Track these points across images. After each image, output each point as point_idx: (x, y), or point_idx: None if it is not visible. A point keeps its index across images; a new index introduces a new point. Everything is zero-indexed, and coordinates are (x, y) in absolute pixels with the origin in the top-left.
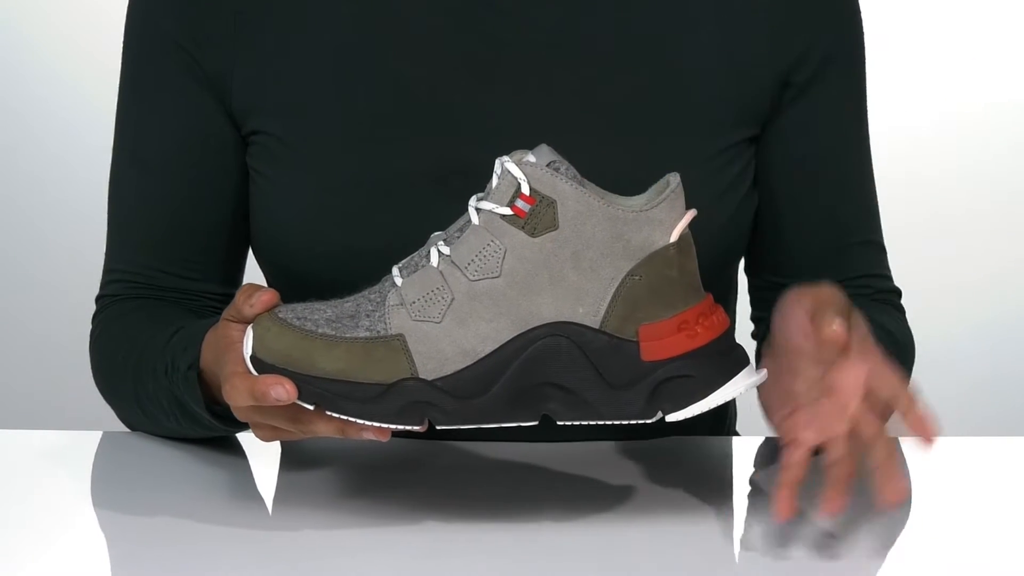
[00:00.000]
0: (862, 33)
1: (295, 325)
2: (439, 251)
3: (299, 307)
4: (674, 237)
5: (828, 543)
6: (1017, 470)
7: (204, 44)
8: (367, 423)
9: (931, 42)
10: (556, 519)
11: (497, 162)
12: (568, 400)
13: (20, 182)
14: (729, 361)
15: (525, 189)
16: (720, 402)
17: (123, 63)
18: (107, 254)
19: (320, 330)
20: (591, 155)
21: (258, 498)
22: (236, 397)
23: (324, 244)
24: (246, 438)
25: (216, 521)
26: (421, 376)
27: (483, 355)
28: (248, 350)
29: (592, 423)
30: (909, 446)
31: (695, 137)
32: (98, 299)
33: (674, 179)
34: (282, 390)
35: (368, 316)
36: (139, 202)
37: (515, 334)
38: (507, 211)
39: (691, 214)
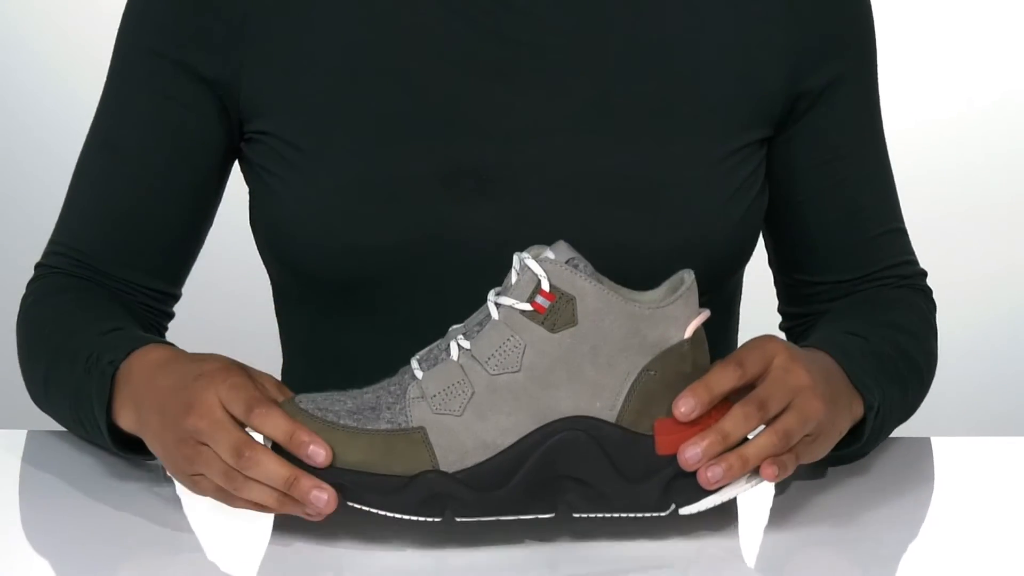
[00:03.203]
0: (873, 29)
1: (316, 416)
2: (459, 345)
3: (319, 397)
4: (688, 333)
5: (829, 543)
6: (1017, 470)
7: (204, 47)
8: (388, 515)
9: (931, 42)
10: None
11: (516, 257)
12: (584, 492)
13: (20, 182)
14: None
15: (545, 286)
16: (732, 496)
17: (115, 54)
18: (57, 225)
19: (341, 421)
20: (603, 156)
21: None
22: (270, 426)
23: (333, 243)
24: None
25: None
26: (442, 468)
27: (503, 448)
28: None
29: (607, 515)
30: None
31: (708, 138)
32: (37, 266)
33: (688, 276)
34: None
35: (389, 408)
36: (102, 184)
37: (534, 427)
38: (527, 307)
39: (704, 314)
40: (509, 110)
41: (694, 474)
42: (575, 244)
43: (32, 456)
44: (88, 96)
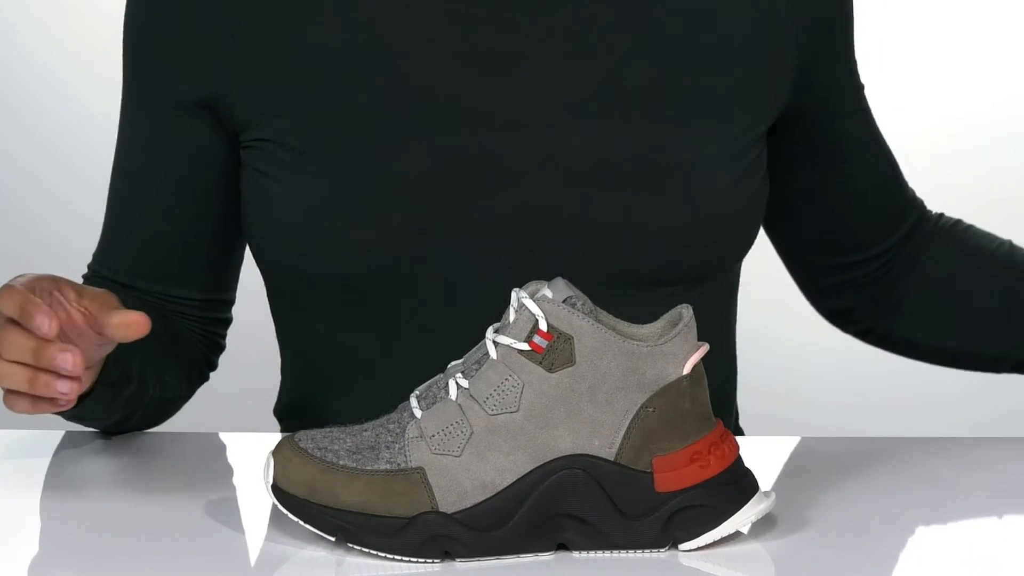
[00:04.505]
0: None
1: (316, 456)
2: (458, 384)
3: (318, 435)
4: (687, 369)
5: (829, 543)
6: (1017, 470)
7: (195, 74)
8: (388, 556)
9: (935, 44)
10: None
11: (513, 295)
12: (584, 530)
13: (21, 182)
14: (740, 489)
15: (543, 325)
16: (733, 530)
17: (124, 72)
18: (95, 254)
19: (341, 461)
20: (608, 142)
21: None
22: (5, 302)
23: (336, 244)
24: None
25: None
26: (441, 509)
27: (501, 488)
28: (269, 479)
29: (607, 552)
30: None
31: (714, 122)
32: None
33: (687, 312)
34: (47, 324)
35: (388, 448)
36: (122, 208)
37: (532, 467)
38: (525, 347)
39: (704, 348)
40: (512, 99)
41: (693, 510)
42: (581, 230)
43: (67, 455)
44: (88, 96)
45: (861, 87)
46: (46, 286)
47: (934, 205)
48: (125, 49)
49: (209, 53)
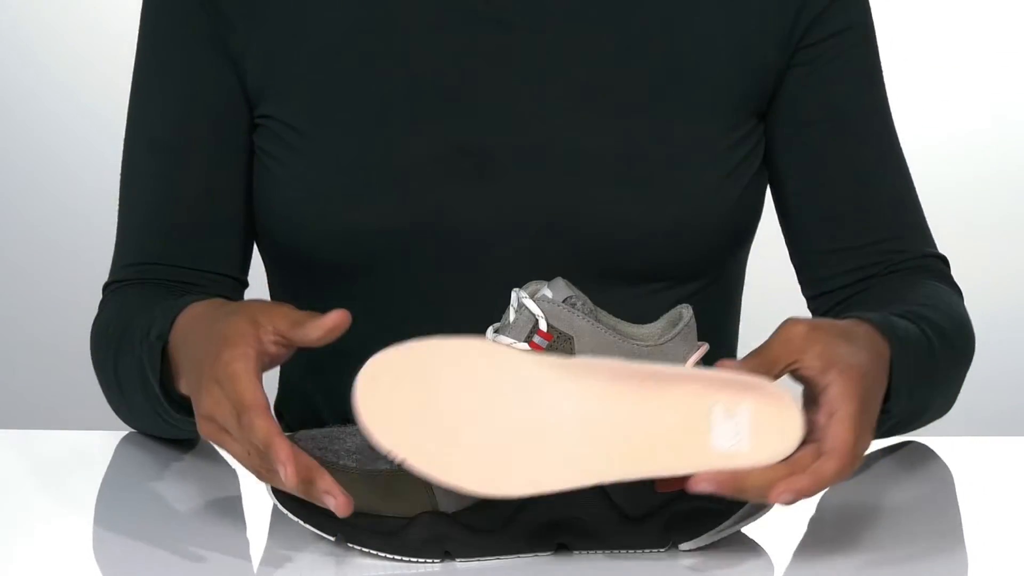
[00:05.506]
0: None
1: (316, 456)
2: None
3: (318, 435)
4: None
5: (828, 543)
6: (1017, 470)
7: (227, 21)
8: (388, 556)
9: (959, 53)
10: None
11: (513, 295)
12: (583, 531)
13: (21, 182)
14: None
15: (543, 325)
16: (732, 531)
17: (141, 45)
18: (118, 246)
19: (341, 461)
20: (602, 137)
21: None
22: (257, 432)
23: (333, 226)
24: None
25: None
26: (441, 509)
27: None
28: None
29: (607, 552)
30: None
31: (706, 116)
32: (105, 287)
33: (687, 312)
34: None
35: None
36: (154, 187)
37: None
38: (525, 347)
39: (703, 348)
40: (508, 92)
41: (694, 510)
42: (571, 224)
43: (64, 457)
44: (88, 96)
45: (864, 100)
46: (252, 342)
47: (932, 204)
48: (149, 19)
49: (227, 23)
